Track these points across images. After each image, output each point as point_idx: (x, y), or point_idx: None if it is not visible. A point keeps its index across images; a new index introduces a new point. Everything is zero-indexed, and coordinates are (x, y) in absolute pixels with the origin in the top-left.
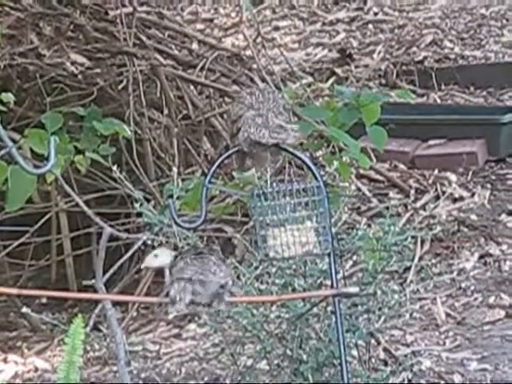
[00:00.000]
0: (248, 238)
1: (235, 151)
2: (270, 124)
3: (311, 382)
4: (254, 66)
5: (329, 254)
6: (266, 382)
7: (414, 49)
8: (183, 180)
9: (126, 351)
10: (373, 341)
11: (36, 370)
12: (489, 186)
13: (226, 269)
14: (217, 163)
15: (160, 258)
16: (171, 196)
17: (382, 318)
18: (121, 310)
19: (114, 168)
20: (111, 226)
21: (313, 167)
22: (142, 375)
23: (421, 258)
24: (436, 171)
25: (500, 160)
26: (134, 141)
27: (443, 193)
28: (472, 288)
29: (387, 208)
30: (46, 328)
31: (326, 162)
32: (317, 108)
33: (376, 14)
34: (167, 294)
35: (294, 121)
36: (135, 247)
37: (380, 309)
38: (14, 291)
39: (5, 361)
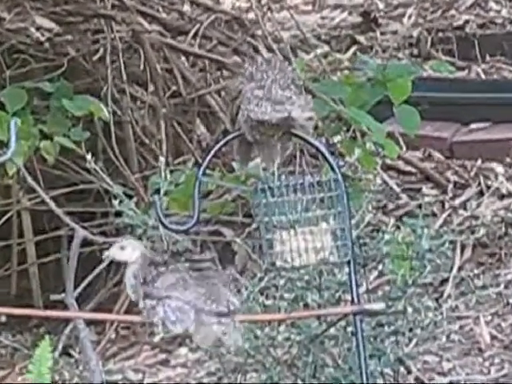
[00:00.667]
0: (251, 243)
1: (236, 136)
2: (273, 95)
3: None
4: (259, 32)
5: (348, 263)
6: None
7: (453, 12)
8: (172, 172)
9: (103, 380)
10: (402, 369)
11: None
12: None
13: (234, 292)
14: (213, 151)
15: (127, 250)
16: (157, 191)
17: (414, 341)
18: (96, 331)
19: (88, 157)
20: (84, 227)
21: (329, 156)
22: None
23: (461, 268)
24: (479, 161)
25: None
26: (113, 123)
27: (488, 188)
28: None
29: (420, 206)
30: (5, 352)
31: (345, 149)
32: (334, 83)
33: None
34: (148, 312)
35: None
36: None
37: (411, 330)
38: None
39: None
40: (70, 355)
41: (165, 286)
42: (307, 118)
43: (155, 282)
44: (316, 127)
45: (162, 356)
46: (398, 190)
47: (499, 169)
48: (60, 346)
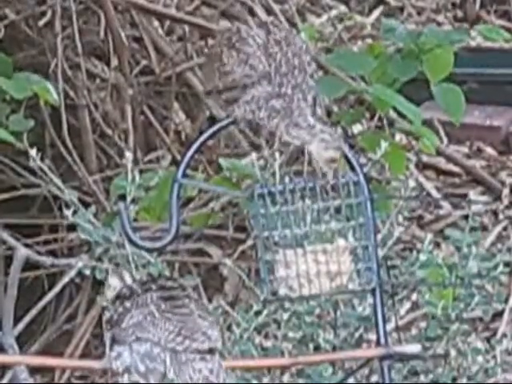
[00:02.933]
0: (245, 266)
1: (226, 125)
2: (293, 114)
3: None
4: None
5: (373, 291)
6: None
7: None
8: (142, 172)
9: None
10: None
11: None
12: None
13: (213, 323)
14: (195, 145)
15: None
16: (123, 197)
17: None
18: (43, 381)
19: (32, 152)
20: (27, 245)
21: (348, 152)
22: None
23: None
24: None
25: None
26: (65, 109)
27: None
28: None
29: (466, 217)
30: None
31: (367, 143)
32: (354, 55)
33: None
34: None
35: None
36: (65, 279)
37: (455, 379)
38: None
39: None
40: None
41: (131, 325)
42: (328, 159)
43: (122, 322)
44: (329, 113)
45: None
46: (437, 195)
47: None
48: None
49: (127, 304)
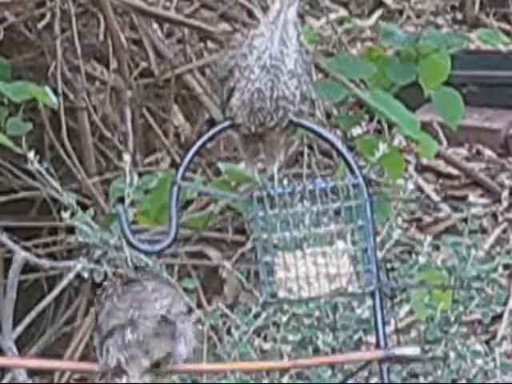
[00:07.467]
0: (244, 268)
1: (225, 128)
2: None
3: None
4: None
5: (372, 294)
6: None
7: None
8: (141, 174)
9: None
10: None
11: None
12: None
13: (170, 290)
14: (195, 148)
15: None
16: (122, 200)
17: None
18: (42, 383)
19: (31, 155)
20: (26, 247)
21: (347, 154)
22: None
23: None
24: None
25: None
26: (64, 111)
27: None
28: None
29: (465, 220)
30: None
31: (365, 146)
32: (353, 59)
33: None
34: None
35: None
36: (65, 282)
37: (454, 381)
38: None
39: None
40: None
41: (102, 320)
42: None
43: (97, 321)
44: (329, 116)
45: None
46: (436, 198)
47: None
48: None
49: (102, 302)
